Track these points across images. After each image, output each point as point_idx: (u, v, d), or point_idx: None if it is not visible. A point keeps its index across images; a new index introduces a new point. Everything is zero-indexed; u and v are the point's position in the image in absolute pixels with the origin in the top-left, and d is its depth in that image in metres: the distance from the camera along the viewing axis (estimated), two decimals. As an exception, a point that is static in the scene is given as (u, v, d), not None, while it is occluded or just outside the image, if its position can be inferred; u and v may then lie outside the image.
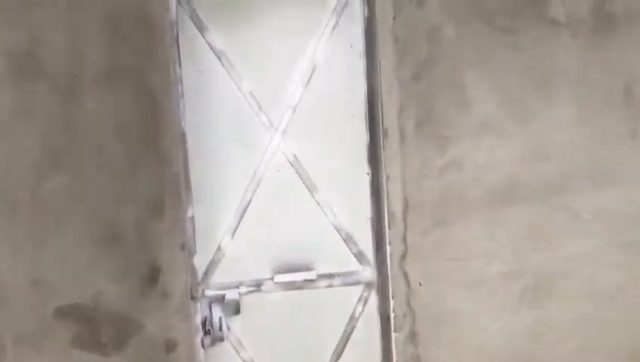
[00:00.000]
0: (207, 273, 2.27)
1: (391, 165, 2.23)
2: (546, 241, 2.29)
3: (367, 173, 2.32)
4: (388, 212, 2.23)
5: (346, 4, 2.25)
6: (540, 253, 2.29)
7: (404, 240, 2.25)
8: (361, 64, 2.27)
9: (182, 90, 2.18)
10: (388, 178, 2.23)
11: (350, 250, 2.34)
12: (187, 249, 2.15)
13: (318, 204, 2.30)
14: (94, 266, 2.07)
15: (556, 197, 2.28)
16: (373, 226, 2.32)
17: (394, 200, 2.23)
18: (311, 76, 2.26)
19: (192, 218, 2.22)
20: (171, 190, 2.10)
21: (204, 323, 2.22)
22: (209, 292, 2.26)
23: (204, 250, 2.24)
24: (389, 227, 2.23)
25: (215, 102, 2.22)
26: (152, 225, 2.09)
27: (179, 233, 2.11)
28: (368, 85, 2.28)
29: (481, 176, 2.24)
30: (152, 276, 2.11)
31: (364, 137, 2.31)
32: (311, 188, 2.30)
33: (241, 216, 2.27)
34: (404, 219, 2.24)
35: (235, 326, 2.27)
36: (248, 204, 2.27)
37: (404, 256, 2.24)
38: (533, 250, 2.29)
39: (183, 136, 2.18)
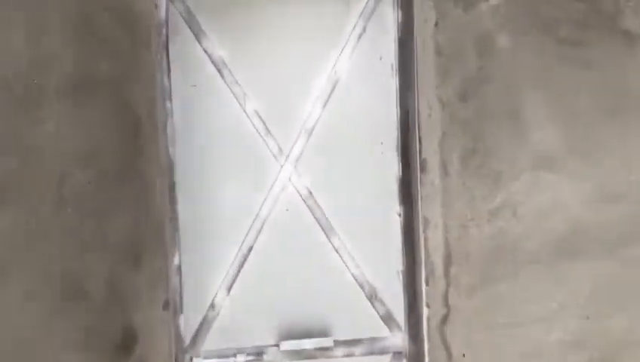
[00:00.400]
0: (196, 337, 2.05)
1: (430, 206, 2.00)
2: (616, 303, 2.05)
3: (399, 215, 2.10)
4: (425, 264, 2.00)
5: (375, 8, 2.07)
6: (610, 317, 2.05)
7: (446, 300, 2.00)
8: (393, 80, 2.08)
9: (171, 108, 2.02)
10: (426, 222, 2.01)
11: (376, 310, 2.10)
12: (171, 307, 1.97)
13: (336, 251, 2.08)
14: (50, 331, 1.81)
15: (629, 249, 2.05)
16: (405, 281, 2.10)
17: (433, 250, 2.00)
18: (331, 93, 2.07)
19: (179, 268, 2.03)
20: (153, 233, 1.91)
21: (190, 403, 1.99)
22: (198, 362, 2.00)
23: (194, 308, 2.05)
24: (427, 283, 2.00)
25: (212, 124, 2.04)
26: (126, 278, 1.88)
27: (161, 287, 1.92)
28: (402, 106, 2.08)
29: (540, 221, 2.02)
30: (126, 343, 1.87)
31: (395, 170, 2.10)
32: (328, 232, 2.08)
33: (241, 266, 2.06)
34: (446, 274, 2.00)
35: (230, 405, 2.06)
36: (249, 251, 2.06)
37: (444, 320, 2.00)
38: (602, 313, 2.05)
39: (170, 166, 2.02)
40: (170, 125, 2.02)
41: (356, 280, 2.09)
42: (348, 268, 2.09)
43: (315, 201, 2.08)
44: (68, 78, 1.83)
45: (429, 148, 2.00)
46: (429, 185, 2.00)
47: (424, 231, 2.01)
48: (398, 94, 2.08)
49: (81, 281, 1.84)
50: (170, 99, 2.02)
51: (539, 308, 2.02)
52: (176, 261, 2.03)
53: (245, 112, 2.05)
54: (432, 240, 2.00)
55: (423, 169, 2.00)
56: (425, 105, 1.99)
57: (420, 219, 2.01)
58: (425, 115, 1.99)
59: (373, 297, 2.10)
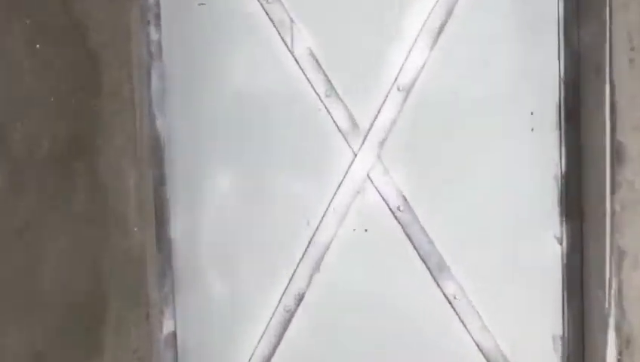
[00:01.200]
0: None
1: (626, 227, 1.47)
2: None
3: (559, 241, 1.61)
4: (615, 329, 1.51)
5: None
6: None
7: (648, 390, 1.51)
8: (554, 5, 1.57)
9: (158, 43, 1.59)
10: (621, 254, 1.47)
11: (513, 400, 1.62)
12: (158, 411, 1.51)
13: (449, 302, 1.64)
14: None
15: None
16: (568, 355, 1.64)
17: (630, 304, 1.49)
18: (442, 27, 1.59)
19: (173, 337, 1.61)
20: (124, 273, 1.46)
21: None
22: None
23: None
24: (619, 361, 1.55)
25: (234, 75, 1.61)
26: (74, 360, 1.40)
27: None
28: (569, 49, 1.58)
29: None
30: None
31: (555, 161, 1.59)
32: (436, 270, 1.62)
33: (284, 328, 1.61)
34: (653, 346, 1.49)
35: None
36: (299, 302, 1.61)
37: (642, 425, 1.52)
38: None
39: (156, 149, 1.60)
40: (158, 73, 1.56)
41: (482, 351, 1.63)
42: (468, 331, 1.62)
43: (414, 215, 1.59)
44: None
45: (628, 123, 1.46)
46: (626, 188, 1.46)
47: (614, 271, 1.48)
48: (563, 27, 1.56)
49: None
50: (159, 26, 1.56)
51: None
52: (168, 326, 1.57)
53: (293, 56, 1.58)
54: (627, 287, 1.47)
55: (618, 160, 1.48)
56: (621, 45, 1.43)
57: (607, 250, 1.49)
58: (621, 63, 1.43)
59: (510, 379, 1.59)
